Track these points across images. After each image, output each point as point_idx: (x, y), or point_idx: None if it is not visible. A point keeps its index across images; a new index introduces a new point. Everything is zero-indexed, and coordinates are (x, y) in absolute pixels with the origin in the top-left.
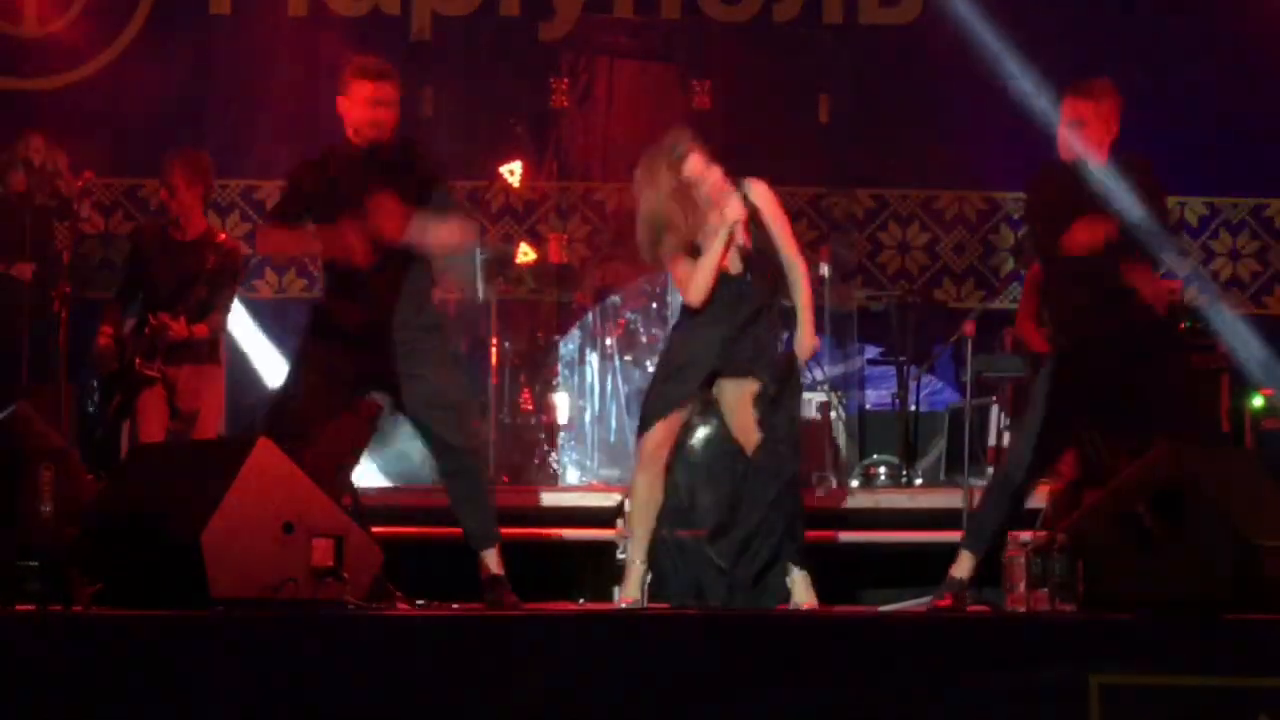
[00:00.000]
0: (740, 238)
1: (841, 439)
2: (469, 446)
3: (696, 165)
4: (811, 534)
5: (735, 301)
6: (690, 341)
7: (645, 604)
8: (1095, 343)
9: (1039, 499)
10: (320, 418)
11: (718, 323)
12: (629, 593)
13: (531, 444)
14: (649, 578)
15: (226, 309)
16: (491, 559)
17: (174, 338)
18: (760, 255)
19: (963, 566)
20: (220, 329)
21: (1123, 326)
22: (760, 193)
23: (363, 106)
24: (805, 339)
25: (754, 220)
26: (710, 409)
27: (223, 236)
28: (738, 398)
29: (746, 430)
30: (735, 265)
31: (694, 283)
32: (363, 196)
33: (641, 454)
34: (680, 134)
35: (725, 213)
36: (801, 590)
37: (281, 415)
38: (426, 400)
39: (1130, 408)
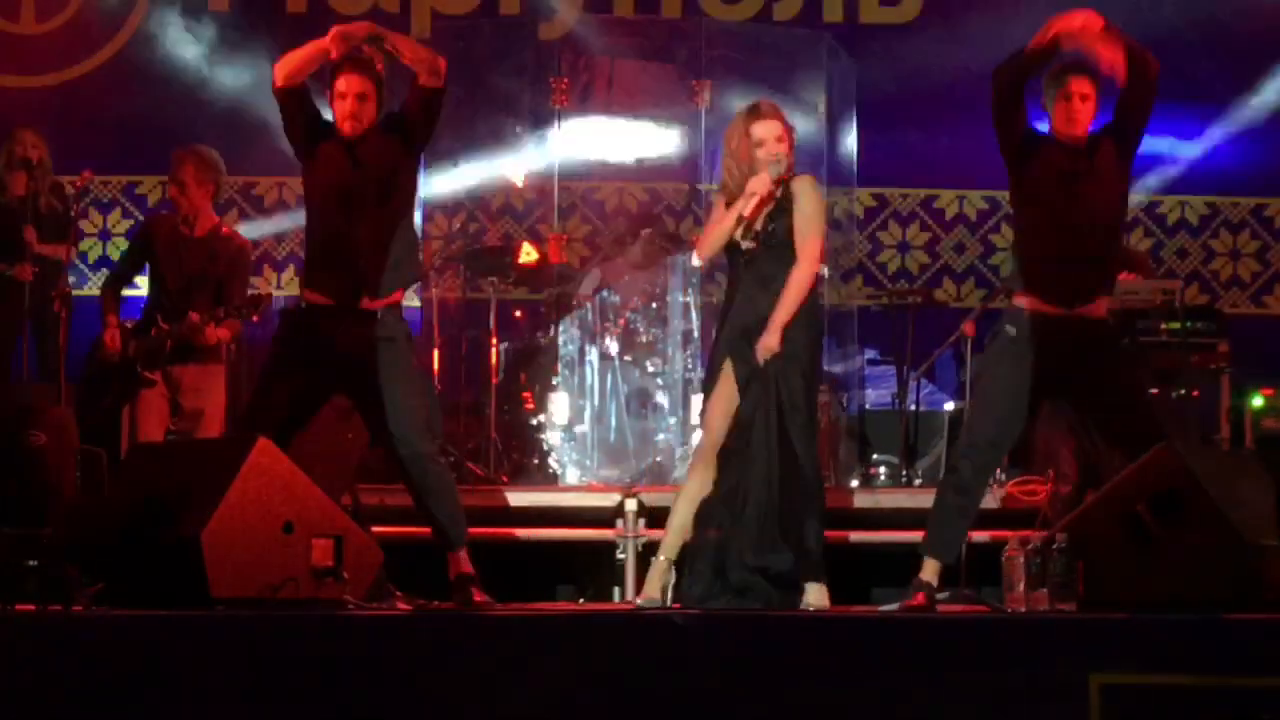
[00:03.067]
0: (755, 209)
1: (841, 439)
2: (436, 451)
3: (767, 130)
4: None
5: (753, 280)
6: (720, 323)
7: (665, 603)
8: (1051, 324)
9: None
10: (292, 430)
11: (738, 301)
12: (649, 590)
13: (531, 444)
14: (672, 578)
15: (241, 312)
16: (461, 558)
17: (202, 341)
18: (784, 246)
19: (929, 571)
20: (240, 332)
21: (1082, 308)
22: (803, 186)
23: (335, 100)
24: (767, 336)
25: (783, 210)
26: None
27: (227, 230)
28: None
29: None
30: (746, 242)
31: (702, 238)
32: (352, 181)
33: (700, 448)
34: (771, 102)
35: (750, 181)
36: (814, 600)
37: (253, 428)
38: (400, 409)
39: (1088, 399)
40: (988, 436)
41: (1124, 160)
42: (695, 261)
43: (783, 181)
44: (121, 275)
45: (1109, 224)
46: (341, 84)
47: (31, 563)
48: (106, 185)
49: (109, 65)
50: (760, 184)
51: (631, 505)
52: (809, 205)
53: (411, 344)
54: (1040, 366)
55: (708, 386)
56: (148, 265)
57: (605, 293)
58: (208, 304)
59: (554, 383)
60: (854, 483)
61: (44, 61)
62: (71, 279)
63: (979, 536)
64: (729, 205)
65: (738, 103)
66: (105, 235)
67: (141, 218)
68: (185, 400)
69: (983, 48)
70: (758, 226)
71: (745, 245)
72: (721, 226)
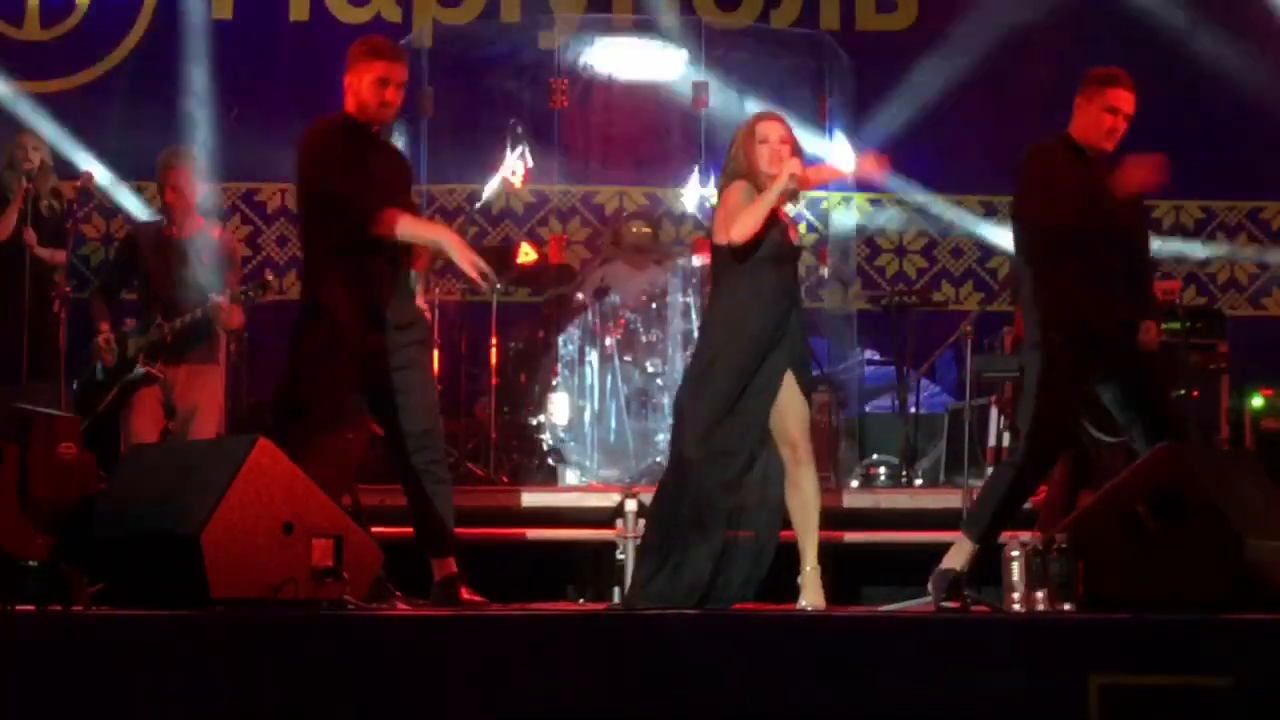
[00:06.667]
0: (792, 186)
1: (841, 440)
2: (444, 457)
3: (773, 130)
4: (831, 534)
5: (787, 287)
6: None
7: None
8: (1100, 333)
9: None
10: (332, 428)
11: (774, 292)
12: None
13: (531, 444)
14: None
15: (240, 301)
16: (448, 560)
17: (229, 323)
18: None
19: (961, 556)
20: (243, 322)
21: (1119, 317)
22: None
23: (374, 85)
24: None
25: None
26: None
27: (218, 232)
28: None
29: (800, 428)
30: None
31: (742, 218)
32: (384, 174)
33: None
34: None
35: (786, 164)
36: (812, 590)
37: (299, 425)
38: (421, 409)
39: (1128, 397)
40: (1057, 438)
41: None
42: (698, 261)
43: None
44: (109, 285)
45: None
46: (384, 70)
47: (31, 563)
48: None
49: (113, 72)
50: (795, 164)
51: (631, 505)
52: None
53: (429, 342)
54: (1090, 372)
55: (760, 391)
56: (135, 275)
57: (606, 294)
58: (202, 300)
59: (554, 383)
60: (854, 483)
61: (49, 68)
62: (74, 282)
63: None
64: (749, 179)
65: (737, 106)
66: (108, 240)
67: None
68: (179, 400)
69: (978, 54)
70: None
71: (797, 245)
72: (762, 204)
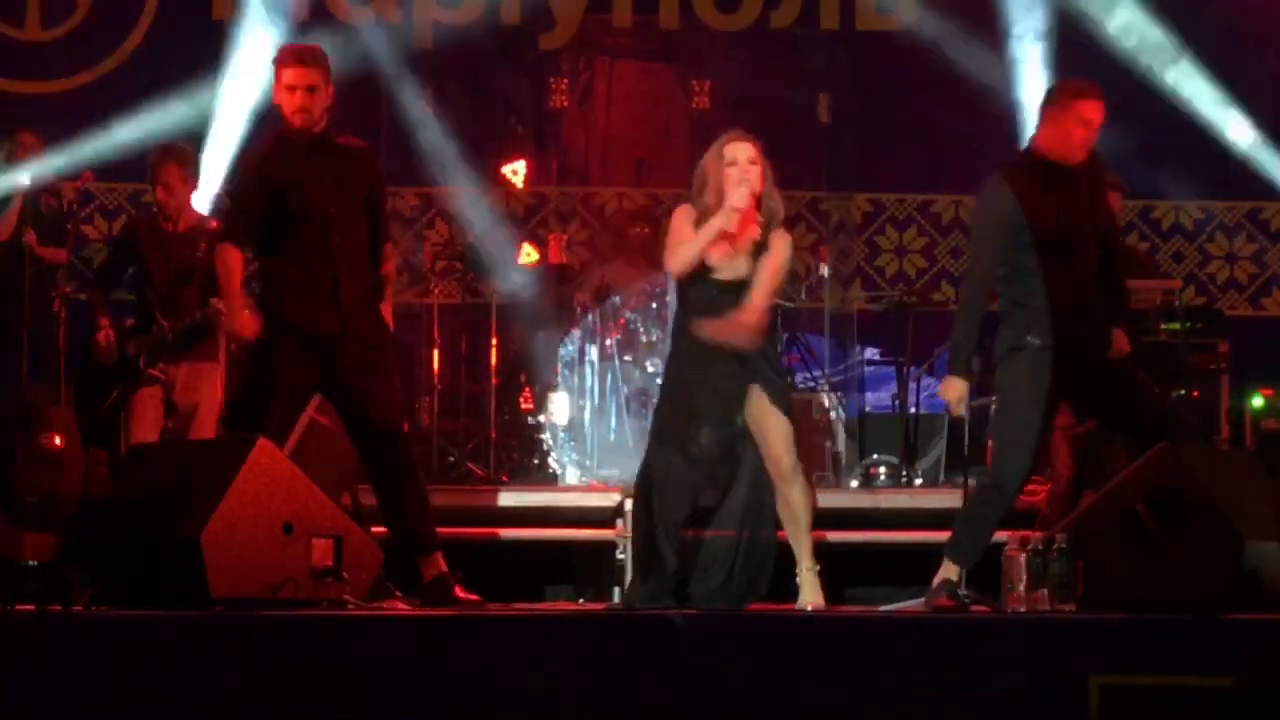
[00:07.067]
0: (740, 228)
1: (841, 440)
2: (413, 455)
3: (741, 150)
4: (813, 534)
5: (729, 292)
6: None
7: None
8: (1075, 341)
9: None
10: (280, 429)
11: (712, 310)
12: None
13: (531, 444)
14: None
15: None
16: (437, 559)
17: (230, 328)
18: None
19: (950, 571)
20: None
21: (1096, 327)
22: (783, 241)
23: (282, 93)
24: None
25: (764, 254)
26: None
27: (215, 224)
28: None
29: (783, 444)
30: (733, 272)
31: (677, 252)
32: (320, 185)
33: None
34: (744, 132)
35: (729, 197)
36: (810, 589)
37: (247, 423)
38: (386, 414)
39: (1108, 404)
40: (1034, 451)
41: None
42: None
43: (765, 228)
44: (108, 277)
45: None
46: (289, 76)
47: (32, 563)
48: (112, 192)
49: (115, 73)
50: (737, 199)
51: (631, 505)
52: (782, 258)
53: (391, 346)
54: (1069, 380)
55: (726, 418)
56: (133, 266)
57: (606, 294)
58: (199, 296)
59: (554, 383)
60: (854, 483)
61: (50, 68)
62: (74, 282)
63: None
64: (699, 223)
65: (737, 104)
66: (109, 240)
67: None
68: (179, 398)
69: (978, 54)
70: (743, 266)
71: (729, 277)
72: (698, 239)
